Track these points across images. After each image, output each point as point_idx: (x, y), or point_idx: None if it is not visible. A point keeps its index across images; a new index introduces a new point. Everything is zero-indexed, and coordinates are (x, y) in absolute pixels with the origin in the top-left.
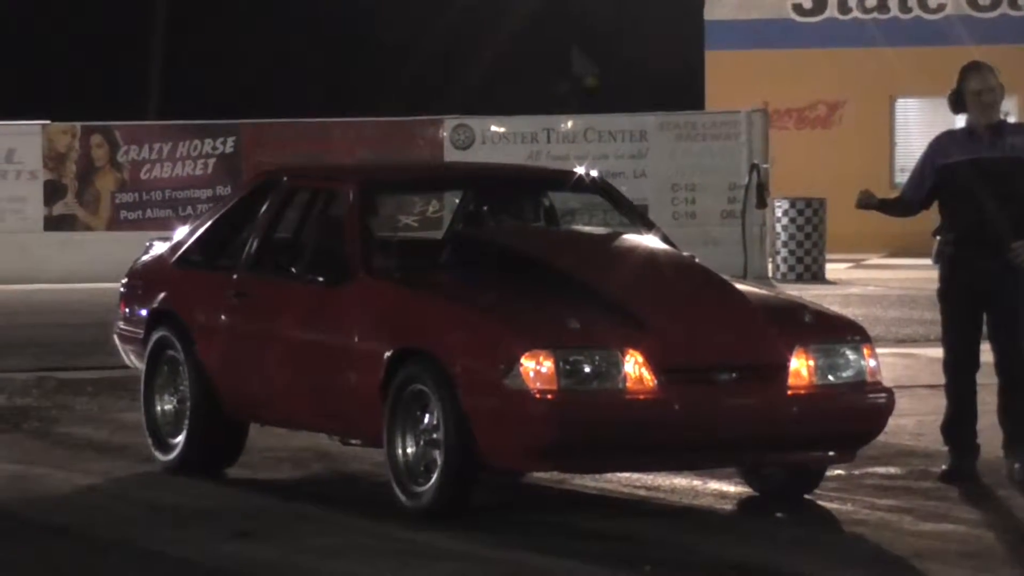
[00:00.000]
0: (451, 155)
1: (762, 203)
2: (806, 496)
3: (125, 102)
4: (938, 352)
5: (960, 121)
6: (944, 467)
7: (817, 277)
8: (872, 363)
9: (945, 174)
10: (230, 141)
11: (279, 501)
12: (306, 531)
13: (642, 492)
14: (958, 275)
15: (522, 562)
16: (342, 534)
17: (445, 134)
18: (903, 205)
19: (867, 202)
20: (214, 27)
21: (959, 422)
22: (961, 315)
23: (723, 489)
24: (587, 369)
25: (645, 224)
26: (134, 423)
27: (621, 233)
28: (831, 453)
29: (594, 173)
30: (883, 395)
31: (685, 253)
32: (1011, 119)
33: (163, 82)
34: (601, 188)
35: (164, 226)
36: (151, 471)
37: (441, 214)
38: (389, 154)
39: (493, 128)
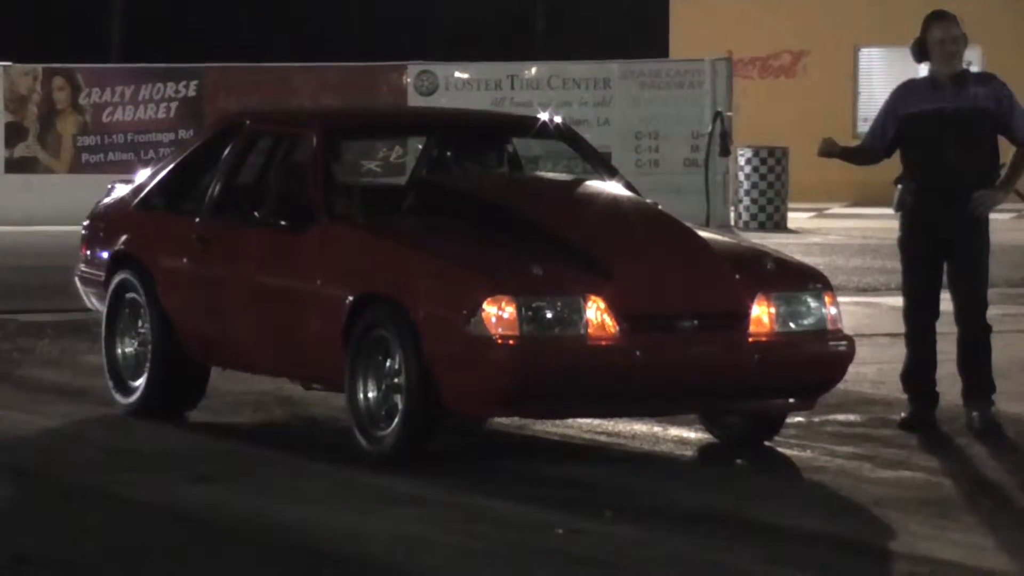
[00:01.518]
0: (415, 101)
1: (725, 152)
2: (766, 443)
3: (88, 44)
4: (899, 301)
5: (923, 70)
6: (903, 415)
7: (779, 226)
8: (833, 311)
9: (907, 123)
10: (193, 85)
11: (241, 445)
12: (268, 475)
13: (603, 439)
14: (919, 224)
15: (483, 507)
16: (303, 478)
17: (409, 80)
18: (865, 154)
19: (829, 150)
20: None
21: (918, 370)
22: (921, 264)
23: (684, 436)
24: (549, 315)
25: (608, 171)
26: (95, 366)
27: (585, 180)
28: (792, 400)
29: (558, 119)
30: (844, 343)
31: (648, 200)
32: (974, 69)
33: (126, 25)
34: (565, 135)
35: (126, 169)
36: (113, 414)
37: (404, 160)
38: (352, 100)
39: (457, 74)
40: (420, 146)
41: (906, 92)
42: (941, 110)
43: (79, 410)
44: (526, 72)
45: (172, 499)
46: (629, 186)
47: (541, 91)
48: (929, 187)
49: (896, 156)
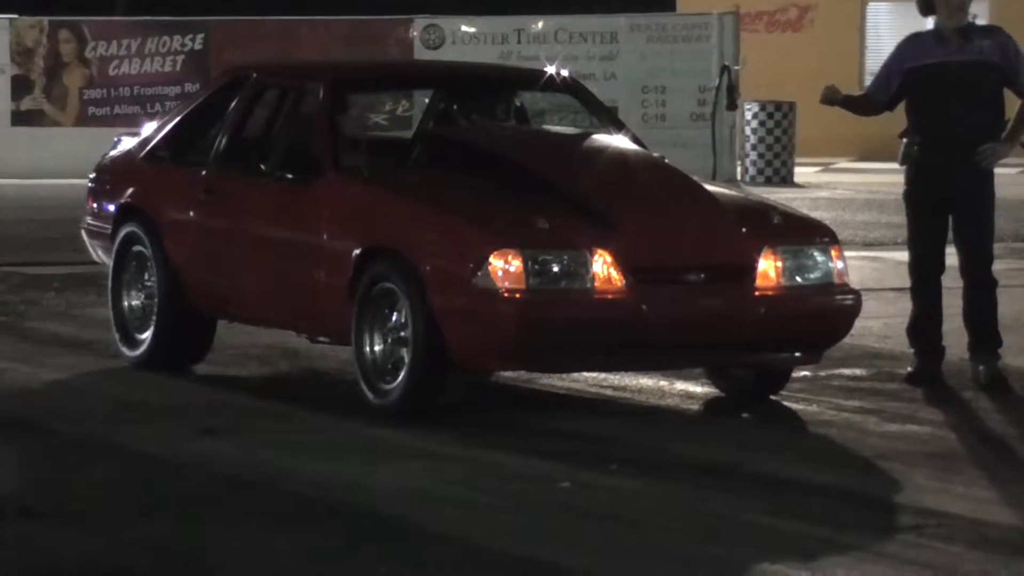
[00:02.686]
0: (421, 55)
1: (732, 106)
2: (772, 397)
3: None
4: (905, 256)
5: (929, 23)
6: (909, 369)
7: (786, 180)
8: (840, 265)
9: (912, 76)
10: (199, 38)
11: (246, 398)
12: (272, 428)
13: (608, 392)
14: (924, 177)
15: (488, 461)
16: (308, 431)
17: (415, 34)
18: (868, 103)
19: (831, 98)
20: None
21: (924, 324)
22: (927, 217)
23: (689, 389)
24: (556, 269)
25: (615, 125)
26: (101, 319)
27: (591, 133)
28: (798, 354)
29: (565, 73)
30: (850, 297)
31: (655, 154)
32: (980, 22)
33: None
34: (572, 88)
35: (132, 123)
36: (118, 367)
37: (411, 114)
38: (358, 54)
39: (463, 28)
40: (426, 100)
41: (911, 45)
42: (946, 63)
43: (84, 362)
44: (533, 26)
45: (177, 451)
46: (636, 140)
47: (548, 45)
48: (933, 140)
49: (900, 110)
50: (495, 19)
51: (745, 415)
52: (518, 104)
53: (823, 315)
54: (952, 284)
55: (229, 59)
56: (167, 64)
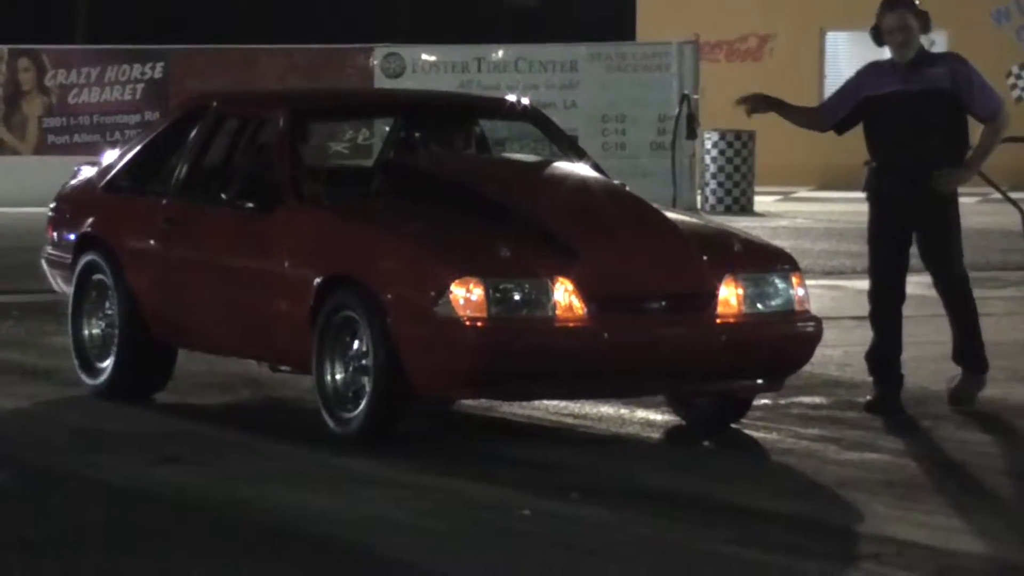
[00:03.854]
0: (381, 84)
1: (692, 135)
2: (732, 425)
3: (53, 25)
4: (865, 284)
5: (887, 52)
6: (868, 397)
7: (746, 209)
8: (801, 292)
9: (868, 105)
10: (159, 67)
11: (207, 427)
12: (234, 457)
13: (569, 420)
14: (881, 205)
15: (449, 488)
16: (270, 460)
17: (375, 63)
18: (815, 117)
19: (757, 107)
20: None
21: (884, 352)
22: (886, 245)
23: (650, 417)
24: (517, 297)
25: (576, 153)
26: (61, 347)
27: (553, 161)
28: (759, 382)
29: (525, 101)
30: (811, 324)
31: (616, 182)
32: (936, 50)
33: (92, 6)
34: (533, 116)
35: (92, 151)
36: (78, 395)
37: (372, 142)
38: (319, 82)
39: (424, 57)
40: (387, 128)
41: (869, 75)
42: (901, 91)
43: (45, 391)
44: (493, 55)
45: (138, 480)
46: (597, 168)
47: (508, 74)
48: (887, 169)
49: (860, 137)
50: (455, 48)
51: (706, 443)
52: (479, 132)
53: (784, 342)
54: (913, 313)
55: (189, 88)
56: (127, 92)
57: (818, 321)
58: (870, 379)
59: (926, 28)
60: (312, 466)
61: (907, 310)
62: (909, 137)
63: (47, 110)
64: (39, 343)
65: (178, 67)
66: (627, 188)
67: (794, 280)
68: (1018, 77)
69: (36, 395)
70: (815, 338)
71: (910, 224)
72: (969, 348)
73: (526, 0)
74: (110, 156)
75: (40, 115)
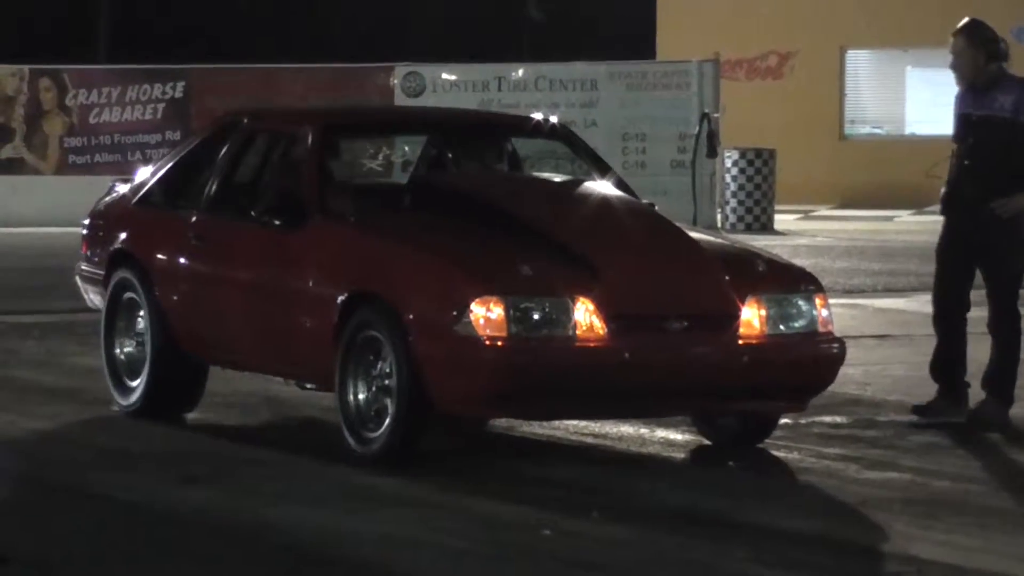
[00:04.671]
0: (401, 102)
1: (712, 153)
2: (757, 445)
3: (75, 45)
4: (885, 303)
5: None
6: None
7: (766, 227)
8: (824, 313)
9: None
10: (179, 86)
11: (228, 446)
12: (255, 476)
13: (589, 439)
14: (949, 226)
15: (470, 508)
16: (291, 479)
17: (396, 81)
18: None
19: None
20: None
21: (942, 360)
22: (946, 261)
23: (670, 437)
24: (537, 316)
25: (604, 171)
26: (83, 367)
27: (579, 180)
28: (782, 403)
29: (554, 119)
30: (835, 345)
31: (644, 201)
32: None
33: (113, 26)
34: (561, 135)
35: (113, 171)
36: (99, 415)
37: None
38: (340, 100)
39: (444, 76)
40: (406, 147)
41: (958, 95)
42: (967, 115)
43: (66, 411)
44: (513, 73)
45: (158, 499)
46: (624, 186)
47: (528, 92)
48: (953, 190)
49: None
50: (476, 67)
51: (730, 463)
52: (510, 150)
53: (807, 363)
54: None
55: (210, 107)
56: (148, 112)
57: (842, 342)
58: (890, 397)
59: (993, 56)
60: (334, 485)
61: (925, 328)
62: (969, 161)
63: (68, 130)
64: (61, 363)
65: (199, 86)
66: (655, 207)
67: (818, 301)
68: None
69: (59, 415)
70: (839, 359)
71: (965, 243)
72: (1000, 377)
73: (544, 16)
74: (143, 172)
75: (61, 135)
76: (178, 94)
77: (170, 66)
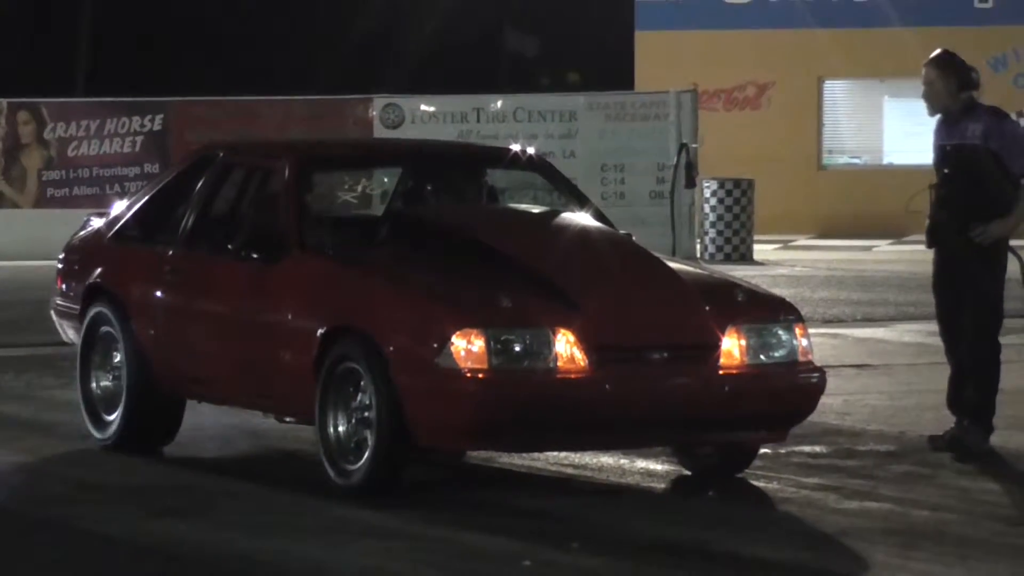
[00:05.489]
0: (380, 134)
1: (691, 183)
2: (737, 475)
3: (53, 79)
4: (864, 332)
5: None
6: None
7: (745, 257)
8: (805, 342)
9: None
10: (158, 119)
11: (207, 479)
12: (234, 508)
13: (569, 470)
14: (936, 255)
15: (450, 539)
16: (270, 511)
17: (375, 113)
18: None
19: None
20: (143, 4)
21: (952, 386)
22: (942, 291)
23: (650, 468)
24: (518, 348)
25: (582, 203)
26: (61, 401)
27: (558, 211)
28: (763, 432)
29: (531, 151)
30: (815, 375)
31: (622, 232)
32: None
33: (91, 59)
34: (539, 166)
35: (91, 204)
36: (79, 448)
37: (380, 191)
38: (318, 133)
39: (423, 107)
40: (384, 179)
41: (936, 126)
42: (941, 146)
43: (44, 445)
44: (492, 105)
45: (137, 533)
46: (602, 217)
47: (507, 124)
48: (933, 219)
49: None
50: (454, 98)
51: (710, 493)
52: (488, 182)
53: (787, 393)
54: (912, 361)
55: (189, 139)
56: (126, 145)
57: (822, 372)
58: (870, 428)
59: (965, 85)
60: (312, 518)
61: (904, 358)
62: (946, 190)
63: (46, 163)
64: (39, 396)
65: (177, 119)
66: (633, 238)
67: (798, 331)
68: None
69: (37, 448)
70: (819, 389)
71: (959, 274)
72: (980, 405)
73: (525, 48)
74: (119, 206)
75: (39, 168)
76: (156, 127)
77: (148, 99)
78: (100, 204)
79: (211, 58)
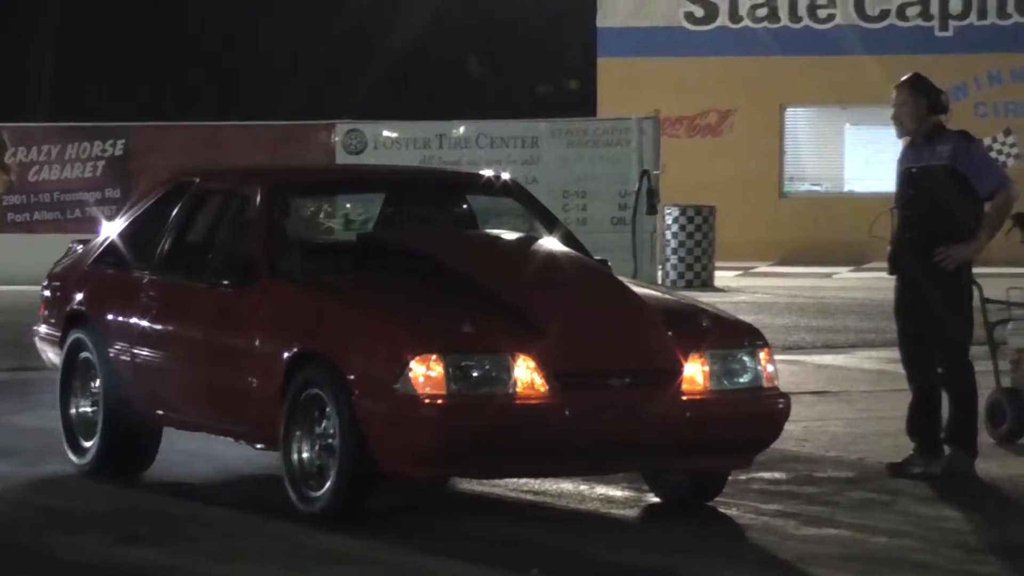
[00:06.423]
0: (343, 160)
1: (652, 210)
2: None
3: (14, 103)
4: (824, 359)
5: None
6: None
7: (706, 284)
8: (770, 368)
9: (898, 179)
10: (120, 144)
11: (173, 504)
12: (198, 534)
13: (529, 496)
14: (899, 280)
15: (411, 565)
16: (234, 537)
17: (337, 139)
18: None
19: None
20: (105, 28)
21: (914, 414)
22: (904, 318)
23: (610, 494)
24: (476, 374)
25: (556, 228)
26: (24, 426)
27: (527, 237)
28: (727, 459)
29: (506, 176)
30: (780, 400)
31: (597, 258)
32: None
33: (53, 83)
34: (514, 191)
35: (52, 229)
36: (41, 475)
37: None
38: (281, 159)
39: (385, 133)
40: (359, 207)
41: (903, 150)
42: (908, 168)
43: (8, 471)
44: (454, 131)
45: (102, 559)
46: (577, 244)
47: (470, 150)
48: (897, 243)
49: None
50: (417, 124)
51: (674, 519)
52: (466, 208)
53: (752, 419)
54: (871, 388)
55: (151, 164)
56: (87, 170)
57: (786, 397)
58: (829, 454)
59: (935, 108)
60: (277, 543)
61: (864, 384)
62: (911, 212)
63: (7, 188)
64: (1, 422)
65: (139, 144)
66: (608, 263)
67: (762, 356)
68: (1003, 144)
69: (2, 475)
70: (783, 415)
71: (923, 298)
72: (962, 429)
73: (485, 73)
74: (104, 232)
75: (0, 193)
76: (118, 152)
77: (110, 124)
78: (61, 229)
79: (174, 83)
